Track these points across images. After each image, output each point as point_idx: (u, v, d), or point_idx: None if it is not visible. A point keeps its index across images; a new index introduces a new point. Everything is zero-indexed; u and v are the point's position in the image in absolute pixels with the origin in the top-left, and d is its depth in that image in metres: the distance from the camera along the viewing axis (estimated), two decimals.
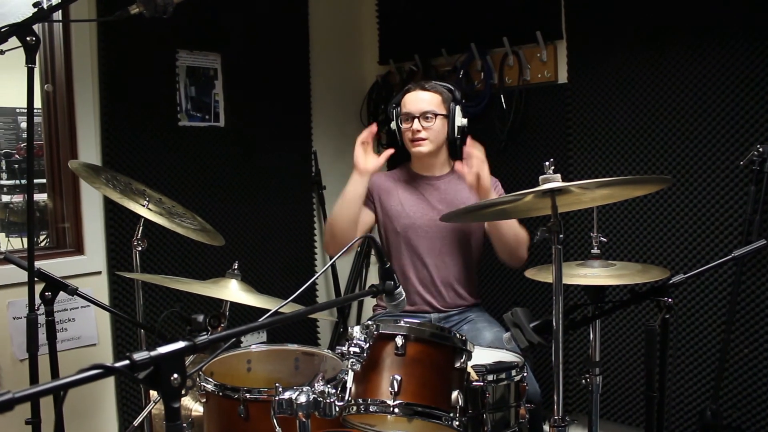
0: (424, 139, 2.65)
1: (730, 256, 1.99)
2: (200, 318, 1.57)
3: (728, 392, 2.76)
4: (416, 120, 2.64)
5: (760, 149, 2.58)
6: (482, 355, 2.14)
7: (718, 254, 2.76)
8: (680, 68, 2.83)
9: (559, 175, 1.67)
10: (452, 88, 2.74)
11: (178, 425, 1.09)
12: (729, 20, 2.69)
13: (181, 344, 1.11)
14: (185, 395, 2.32)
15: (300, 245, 3.70)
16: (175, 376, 1.08)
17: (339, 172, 3.89)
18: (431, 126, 2.65)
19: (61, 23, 2.86)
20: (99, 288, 2.95)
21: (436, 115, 2.65)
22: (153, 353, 1.05)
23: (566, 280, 2.00)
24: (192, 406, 2.25)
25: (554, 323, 1.67)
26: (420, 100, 2.67)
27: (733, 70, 2.69)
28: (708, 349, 2.82)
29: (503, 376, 1.95)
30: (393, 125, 2.75)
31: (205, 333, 1.14)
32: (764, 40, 2.61)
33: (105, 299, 2.95)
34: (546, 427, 2.12)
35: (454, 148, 2.73)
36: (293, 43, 3.68)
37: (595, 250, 2.11)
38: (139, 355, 1.03)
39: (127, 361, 1.02)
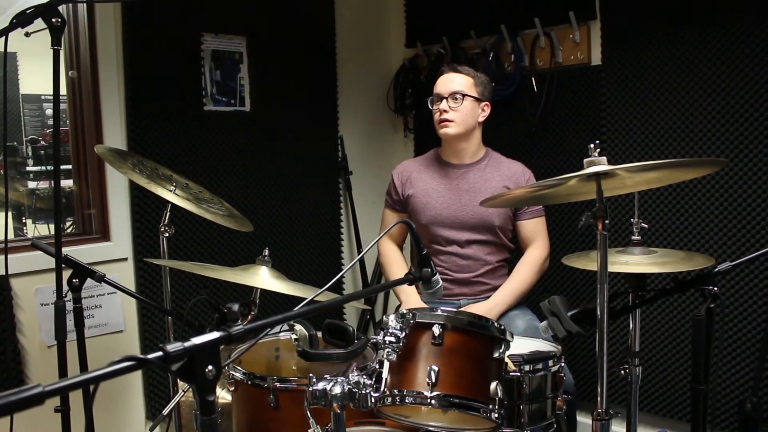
0: (450, 121, 2.61)
1: None
2: (235, 307, 1.52)
3: None
4: (444, 101, 2.59)
5: None
6: (516, 344, 2.09)
7: (763, 242, 2.66)
8: (718, 46, 2.70)
9: (605, 158, 1.59)
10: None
11: (214, 419, 1.05)
12: None
13: (215, 335, 1.06)
14: None
15: (327, 231, 3.66)
16: (210, 367, 1.04)
17: (365, 157, 3.85)
18: (459, 107, 2.60)
19: (85, 4, 2.82)
20: (125, 274, 2.93)
21: (464, 96, 2.60)
22: (187, 344, 1.01)
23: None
24: (219, 393, 2.23)
25: (599, 312, 1.60)
26: (450, 80, 2.65)
27: None
28: (749, 340, 2.73)
29: (540, 366, 1.90)
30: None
31: (239, 322, 1.09)
32: None
33: (131, 286, 2.93)
34: (586, 420, 2.06)
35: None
36: (319, 26, 3.62)
37: (636, 237, 2.04)
38: (173, 347, 0.99)
39: (160, 353, 0.97)
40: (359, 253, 3.69)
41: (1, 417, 0.77)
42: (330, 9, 3.65)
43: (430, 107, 2.69)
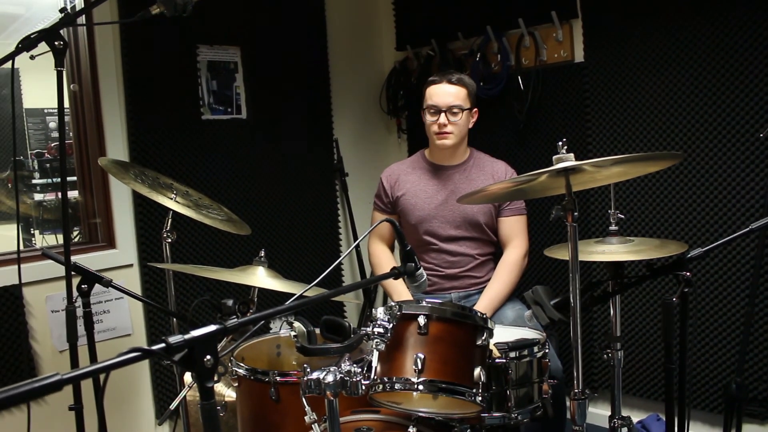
0: (449, 133, 2.70)
1: (748, 228, 2.00)
2: (230, 302, 1.63)
3: (753, 365, 2.77)
4: (443, 114, 2.68)
5: None
6: (505, 333, 2.19)
7: (737, 227, 2.76)
8: (697, 41, 2.82)
9: (572, 155, 1.70)
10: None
11: (212, 404, 1.16)
12: None
13: (213, 327, 1.17)
14: (218, 381, 2.41)
15: (324, 231, 3.77)
16: (208, 357, 1.15)
17: (361, 159, 3.96)
18: (457, 120, 2.70)
19: (85, 26, 2.94)
20: (131, 280, 3.05)
21: (462, 109, 2.70)
22: (187, 336, 1.12)
23: (585, 257, 2.04)
24: (225, 391, 2.34)
25: (572, 300, 1.71)
26: (447, 93, 2.71)
27: (752, 42, 2.68)
28: (732, 323, 2.83)
29: (525, 352, 1.99)
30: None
31: (235, 317, 1.20)
32: None
33: (137, 291, 3.04)
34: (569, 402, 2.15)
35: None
36: (311, 33, 3.72)
37: (613, 227, 2.13)
38: (174, 339, 1.10)
39: (163, 344, 1.08)
40: (357, 252, 3.81)
41: (25, 402, 0.88)
42: (321, 15, 3.76)
43: (425, 118, 2.76)
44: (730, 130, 2.78)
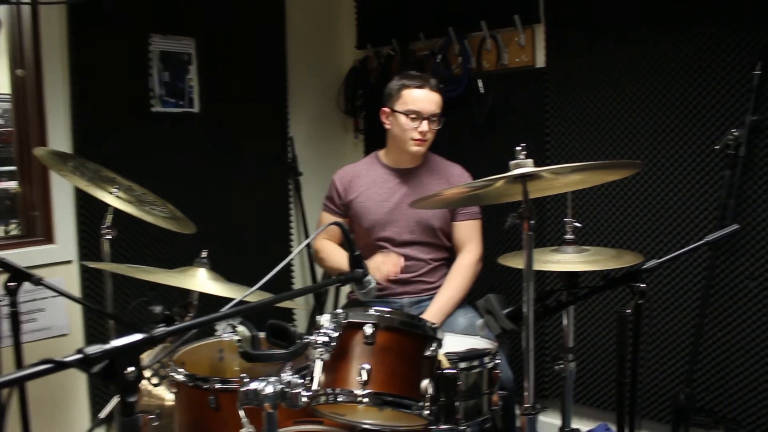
0: (426, 141, 2.66)
1: (703, 241, 1.99)
2: (157, 309, 1.54)
3: (701, 375, 2.77)
4: (425, 122, 2.63)
5: (735, 133, 2.58)
6: (456, 342, 2.14)
7: (692, 239, 2.76)
8: (656, 53, 2.81)
9: (530, 161, 1.65)
10: None
11: (134, 420, 1.07)
12: (706, 4, 2.67)
13: (136, 336, 1.08)
14: (159, 385, 2.30)
15: (276, 232, 3.67)
16: (131, 369, 1.06)
17: (316, 158, 3.87)
18: (435, 129, 2.67)
19: (30, 5, 2.79)
20: (70, 277, 2.91)
21: (439, 118, 2.66)
22: (107, 346, 1.03)
23: (540, 266, 2.00)
24: (166, 395, 2.24)
25: (525, 310, 1.66)
26: (431, 101, 2.66)
27: (710, 54, 2.68)
28: (682, 334, 2.83)
29: (476, 363, 1.94)
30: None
31: (163, 324, 1.11)
32: (739, 25, 2.60)
33: (76, 289, 2.91)
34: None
35: None
36: (269, 27, 3.63)
37: (569, 236, 2.10)
38: (92, 349, 1.01)
39: (79, 355, 0.99)
40: (308, 254, 3.72)
41: None
42: (281, 10, 3.66)
43: (399, 120, 2.67)
44: (686, 142, 2.77)
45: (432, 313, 2.61)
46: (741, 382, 2.69)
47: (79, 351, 0.99)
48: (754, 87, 2.55)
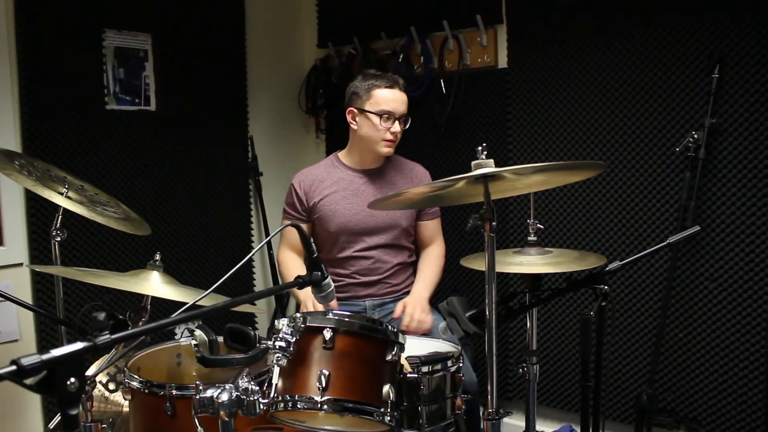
0: (396, 141, 2.62)
1: (665, 243, 1.98)
2: (101, 316, 1.47)
3: (663, 376, 2.79)
4: (397, 122, 2.60)
5: (695, 136, 2.59)
6: (418, 345, 2.10)
7: (654, 240, 2.77)
8: (619, 55, 2.82)
9: (491, 161, 1.62)
10: None
11: None
12: (666, 8, 2.69)
13: (78, 345, 1.02)
14: (116, 391, 2.22)
15: (236, 233, 3.60)
16: (72, 380, 0.99)
17: (277, 158, 3.81)
18: (404, 129, 2.64)
19: None
20: (21, 281, 2.80)
21: (407, 119, 2.62)
22: (45, 357, 0.96)
23: (502, 268, 1.97)
24: (124, 402, 2.16)
25: (487, 312, 1.63)
26: (401, 101, 2.63)
27: (670, 57, 2.70)
28: (644, 335, 2.84)
29: (438, 367, 1.91)
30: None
31: (107, 332, 1.05)
32: (699, 28, 2.62)
33: (27, 292, 2.80)
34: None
35: None
36: (229, 24, 3.55)
37: (532, 237, 2.07)
38: (28, 360, 0.94)
39: (13, 367, 0.92)
40: (270, 256, 3.65)
41: None
42: (240, 7, 3.59)
43: (370, 121, 2.62)
44: (648, 144, 2.78)
45: (418, 293, 2.63)
46: (701, 382, 2.71)
47: (14, 362, 0.92)
48: (712, 90, 2.58)
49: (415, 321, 2.51)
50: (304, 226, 2.67)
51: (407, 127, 2.66)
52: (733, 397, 2.64)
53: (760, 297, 2.56)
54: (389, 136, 2.60)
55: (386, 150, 2.63)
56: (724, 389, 2.66)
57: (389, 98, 2.60)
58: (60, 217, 2.19)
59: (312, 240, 2.70)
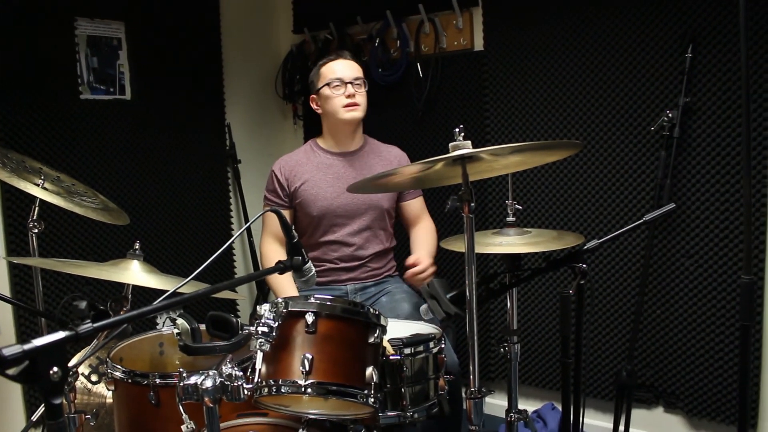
0: (358, 105, 2.64)
1: (642, 221, 2.00)
2: (82, 305, 1.46)
3: (642, 353, 2.83)
4: (350, 85, 2.60)
5: (670, 115, 2.62)
6: (400, 328, 2.11)
7: (631, 219, 2.81)
8: (593, 35, 2.84)
9: (469, 142, 1.62)
10: None
11: (61, 423, 1.00)
12: None
13: (60, 334, 1.02)
14: (99, 382, 2.21)
15: (216, 221, 3.59)
16: (55, 369, 0.99)
17: (255, 145, 3.79)
18: (363, 92, 2.66)
19: None
20: None
21: (364, 83, 2.63)
22: (27, 346, 0.96)
23: (482, 249, 1.98)
24: (107, 393, 2.15)
25: (467, 293, 1.64)
26: (351, 66, 2.67)
27: (644, 37, 2.72)
28: (623, 312, 2.88)
29: (420, 348, 1.92)
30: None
31: (88, 321, 1.05)
32: (673, 8, 2.64)
33: (5, 285, 2.78)
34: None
35: None
36: (203, 10, 3.52)
37: (511, 218, 2.09)
38: (10, 350, 0.94)
39: None
40: (250, 242, 3.65)
41: None
42: None
43: (326, 94, 2.64)
44: (623, 123, 2.81)
45: (425, 252, 2.67)
46: (679, 357, 2.76)
47: None
48: (686, 70, 2.60)
49: (427, 272, 2.56)
50: (286, 213, 2.70)
51: (366, 89, 2.67)
52: (710, 371, 2.69)
53: (734, 272, 2.60)
54: (346, 100, 2.62)
55: (350, 115, 2.63)
56: (701, 363, 2.71)
57: (334, 68, 2.66)
58: (37, 208, 2.17)
59: (293, 226, 2.75)
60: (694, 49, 2.59)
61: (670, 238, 2.73)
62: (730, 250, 2.61)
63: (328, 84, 2.63)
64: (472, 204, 1.61)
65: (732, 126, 2.56)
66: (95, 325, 1.06)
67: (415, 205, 2.80)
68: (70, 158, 2.98)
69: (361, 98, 2.64)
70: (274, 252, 2.71)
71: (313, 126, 3.77)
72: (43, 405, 1.69)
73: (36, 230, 2.17)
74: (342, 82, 2.62)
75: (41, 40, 2.90)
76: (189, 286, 1.71)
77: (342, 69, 2.65)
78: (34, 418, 1.65)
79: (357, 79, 2.64)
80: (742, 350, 2.00)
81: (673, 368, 2.78)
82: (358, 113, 2.65)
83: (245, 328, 1.55)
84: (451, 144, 1.63)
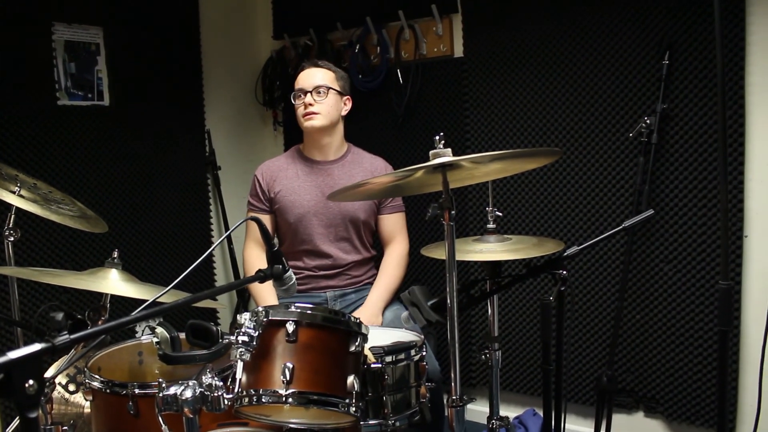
0: (316, 113, 2.61)
1: (621, 227, 2.02)
2: (59, 316, 1.44)
3: (622, 358, 2.85)
4: (308, 94, 2.60)
5: (648, 121, 2.65)
6: (381, 336, 2.11)
7: (610, 225, 2.83)
8: (572, 42, 2.86)
9: (449, 150, 1.63)
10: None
11: None
12: None
13: (36, 347, 1.00)
14: (76, 392, 2.18)
15: (196, 228, 3.56)
16: (31, 382, 0.98)
17: (235, 152, 3.77)
18: (324, 100, 2.63)
19: None
20: None
21: (329, 89, 2.61)
22: (1, 359, 0.94)
23: (462, 257, 1.99)
24: (84, 403, 2.12)
25: (449, 301, 1.64)
26: (312, 75, 2.66)
27: (622, 44, 2.74)
28: (603, 317, 2.90)
29: (402, 356, 1.92)
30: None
31: (65, 332, 1.03)
32: (650, 15, 2.67)
33: None
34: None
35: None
36: (182, 16, 3.50)
37: (491, 225, 2.09)
38: None
39: None
40: (230, 250, 3.62)
41: None
42: None
43: (293, 102, 2.68)
44: (602, 130, 2.83)
45: (372, 302, 2.61)
46: (658, 363, 2.78)
47: None
48: (663, 76, 2.63)
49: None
50: (268, 218, 2.69)
51: (326, 97, 2.64)
52: (689, 375, 2.71)
53: (712, 278, 2.63)
54: (302, 110, 2.64)
55: (307, 124, 2.65)
56: (680, 368, 2.73)
57: (300, 78, 2.69)
58: (12, 216, 2.15)
59: (276, 234, 2.74)
60: (671, 56, 2.62)
61: (649, 243, 2.75)
62: (708, 255, 2.64)
63: (293, 95, 2.68)
64: (453, 212, 1.61)
65: (709, 132, 2.59)
66: (72, 336, 1.04)
67: (391, 221, 2.77)
68: (47, 165, 2.94)
69: (320, 107, 2.62)
70: (256, 258, 2.70)
71: (292, 132, 3.77)
72: (18, 418, 1.66)
73: (12, 238, 2.14)
74: (303, 92, 2.64)
75: (18, 45, 2.87)
76: (169, 295, 1.69)
77: (304, 79, 2.67)
78: (9, 431, 1.61)
79: (319, 87, 2.63)
80: (721, 355, 2.02)
81: (653, 373, 2.80)
82: (316, 122, 2.63)
83: (225, 337, 1.54)
84: (431, 152, 1.63)
